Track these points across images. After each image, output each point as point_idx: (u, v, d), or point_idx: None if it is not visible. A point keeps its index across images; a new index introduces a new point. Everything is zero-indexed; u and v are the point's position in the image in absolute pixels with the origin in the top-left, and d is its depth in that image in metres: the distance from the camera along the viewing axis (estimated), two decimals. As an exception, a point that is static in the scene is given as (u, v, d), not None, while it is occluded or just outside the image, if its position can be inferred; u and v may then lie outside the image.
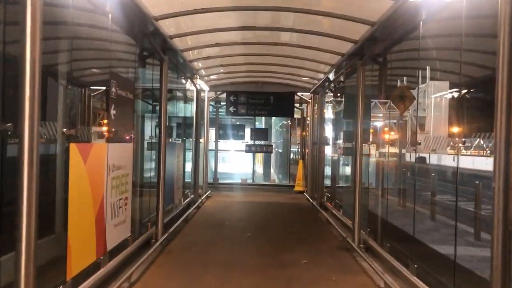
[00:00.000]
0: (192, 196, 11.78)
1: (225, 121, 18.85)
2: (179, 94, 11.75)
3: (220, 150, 19.33)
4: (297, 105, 15.24)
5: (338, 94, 11.52)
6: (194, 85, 11.66)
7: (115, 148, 5.74)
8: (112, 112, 5.47)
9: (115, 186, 5.67)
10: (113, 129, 5.63)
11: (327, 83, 11.27)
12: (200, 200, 12.03)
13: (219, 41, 8.43)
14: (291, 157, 18.77)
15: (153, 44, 6.98)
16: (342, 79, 10.01)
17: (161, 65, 7.47)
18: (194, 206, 11.20)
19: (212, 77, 12.19)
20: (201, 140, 13.77)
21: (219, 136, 16.54)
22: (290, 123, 18.13)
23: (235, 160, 25.06)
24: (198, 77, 11.34)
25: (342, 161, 12.87)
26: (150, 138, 9.21)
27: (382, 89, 7.34)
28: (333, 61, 9.18)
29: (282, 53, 9.56)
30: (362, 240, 7.32)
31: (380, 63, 7.57)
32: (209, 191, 13.97)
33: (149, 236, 7.33)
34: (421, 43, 6.00)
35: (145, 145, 9.13)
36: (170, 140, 10.83)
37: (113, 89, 5.47)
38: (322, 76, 11.00)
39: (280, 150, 19.95)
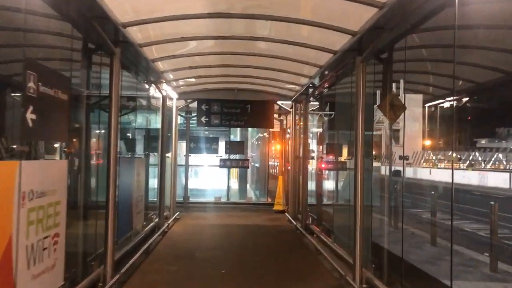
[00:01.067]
0: (157, 219, 10.11)
1: (197, 133, 17.27)
2: (142, 101, 10.14)
3: (192, 165, 17.73)
4: (276, 115, 13.90)
5: (326, 102, 10.17)
6: (160, 91, 10.09)
7: (36, 168, 4.13)
8: (30, 116, 3.87)
9: (36, 220, 4.04)
10: (32, 141, 4.02)
11: (311, 90, 9.92)
12: (166, 224, 10.37)
13: (188, 34, 6.95)
14: (269, 172, 17.30)
15: (99, 32, 5.41)
16: (331, 83, 8.69)
17: (111, 61, 5.90)
18: (159, 232, 9.55)
19: (180, 82, 10.65)
20: (169, 155, 12.15)
21: (190, 150, 14.94)
22: (268, 135, 16.69)
23: (208, 176, 23.42)
24: (164, 81, 9.79)
25: (329, 177, 11.50)
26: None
27: (387, 92, 6.03)
28: (321, 62, 7.83)
29: (261, 52, 8.18)
30: (365, 279, 5.87)
31: (384, 60, 6.23)
32: (178, 213, 12.30)
33: (94, 279, 5.66)
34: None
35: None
36: (130, 154, 9.20)
37: (32, 84, 3.88)
38: (305, 81, 9.63)
39: (257, 165, 18.48)
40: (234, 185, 20.20)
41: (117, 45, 5.92)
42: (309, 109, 11.14)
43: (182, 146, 15.14)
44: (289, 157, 12.84)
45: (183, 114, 15.25)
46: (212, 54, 8.30)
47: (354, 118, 6.10)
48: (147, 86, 9.64)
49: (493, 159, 37.14)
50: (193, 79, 10.49)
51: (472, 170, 34.02)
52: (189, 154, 15.14)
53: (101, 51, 6.01)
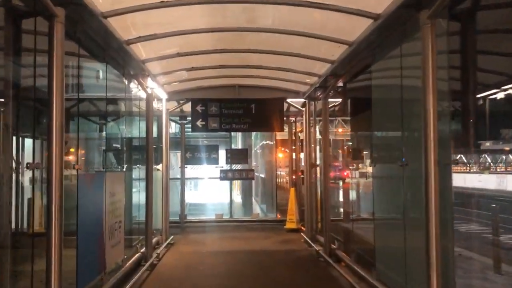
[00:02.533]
0: (143, 249, 8.04)
1: (194, 142, 15.23)
2: (120, 103, 8.09)
3: (189, 178, 15.70)
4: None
5: (353, 96, 8.15)
6: (143, 88, 8.08)
7: None
8: None
9: None
10: None
11: (332, 80, 7.90)
12: (155, 254, 8.30)
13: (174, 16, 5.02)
14: (277, 183, 15.21)
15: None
16: (362, 67, 6.68)
17: (51, 26, 3.89)
18: (146, 266, 7.49)
19: (170, 77, 8.64)
20: (159, 167, 10.12)
21: (186, 161, 12.89)
22: (274, 142, 14.65)
23: (208, 188, 21.33)
24: (147, 75, 7.79)
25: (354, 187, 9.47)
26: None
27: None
28: (351, 35, 5.87)
29: (266, 27, 6.22)
30: None
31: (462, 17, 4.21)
32: (172, 237, 10.22)
33: None
34: None
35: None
36: (107, 168, 7.15)
37: None
38: (324, 69, 7.66)
39: (263, 175, 16.42)
40: (237, 198, 18.14)
41: (60, 4, 3.91)
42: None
43: (178, 156, 13.12)
44: (305, 166, 10.77)
45: (177, 120, 13.25)
46: (204, 32, 6.30)
47: (422, 106, 4.07)
48: (125, 82, 7.63)
49: (502, 161, 35.29)
50: (184, 73, 8.48)
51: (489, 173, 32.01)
52: (185, 166, 13.11)
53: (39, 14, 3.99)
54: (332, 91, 8.42)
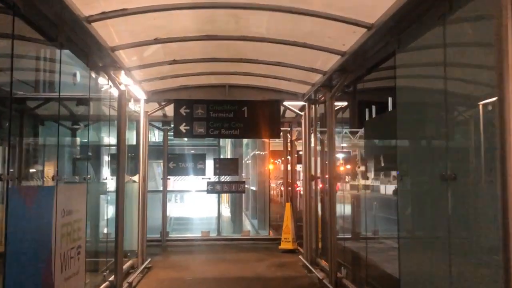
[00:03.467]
0: (112, 278, 6.64)
1: (179, 150, 13.90)
2: (85, 102, 6.72)
3: (171, 191, 14.37)
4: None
5: (366, 98, 6.93)
6: (115, 84, 6.75)
7: None
8: None
9: None
10: None
11: (342, 77, 6.68)
12: (127, 283, 6.91)
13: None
14: (270, 197, 13.89)
15: None
16: (382, 58, 5.46)
17: None
18: (113, 300, 6.11)
19: (148, 72, 7.32)
20: (135, 178, 8.76)
21: (169, 172, 11.54)
22: (266, 152, 13.35)
23: (194, 201, 19.92)
24: (120, 68, 6.48)
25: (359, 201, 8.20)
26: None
27: None
28: (371, 16, 4.67)
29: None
30: None
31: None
32: (149, 259, 8.82)
33: None
34: None
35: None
36: (59, 179, 5.78)
37: None
38: (331, 63, 6.45)
39: (254, 188, 15.10)
40: (226, 212, 16.78)
41: None
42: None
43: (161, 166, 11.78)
44: (304, 178, 9.50)
45: (160, 126, 11.94)
46: (188, 8, 5.03)
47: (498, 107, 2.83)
48: (92, 76, 6.30)
49: None
50: (166, 68, 7.19)
51: None
52: (168, 177, 11.75)
53: None
54: (338, 92, 7.19)
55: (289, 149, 12.04)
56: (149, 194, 12.92)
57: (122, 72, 6.75)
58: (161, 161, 11.53)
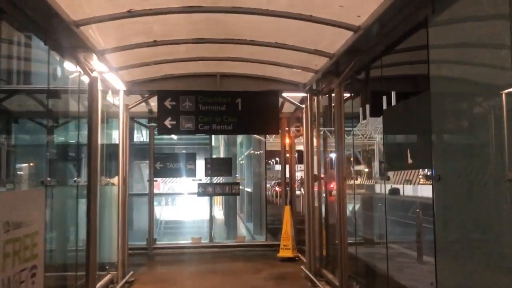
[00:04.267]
0: (82, 299, 5.59)
1: (166, 149, 12.83)
2: (46, 91, 5.65)
3: (159, 194, 13.34)
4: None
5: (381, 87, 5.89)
6: (84, 69, 5.69)
7: None
8: None
9: None
10: None
11: (353, 60, 5.67)
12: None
13: None
14: (267, 198, 12.85)
15: None
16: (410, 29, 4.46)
17: None
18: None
19: (125, 57, 6.26)
20: (113, 181, 7.71)
21: (155, 173, 10.48)
22: (264, 150, 12.32)
23: (186, 203, 18.82)
24: (92, 51, 5.44)
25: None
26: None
27: None
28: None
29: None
30: None
31: None
32: (131, 272, 7.76)
33: None
34: None
35: None
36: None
37: None
38: (342, 44, 5.45)
39: (249, 189, 14.07)
40: (219, 214, 15.71)
41: None
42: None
43: (142, 166, 10.73)
44: (305, 177, 8.50)
45: (145, 123, 10.89)
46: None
47: None
48: (57, 58, 5.25)
49: None
50: (146, 50, 6.13)
51: None
52: (154, 179, 10.70)
53: None
54: (347, 79, 6.17)
55: (287, 148, 11.01)
56: (137, 197, 12.01)
57: (94, 56, 5.72)
58: (145, 161, 10.47)
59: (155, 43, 5.81)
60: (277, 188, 28.45)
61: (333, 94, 6.84)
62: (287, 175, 10.94)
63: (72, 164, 6.65)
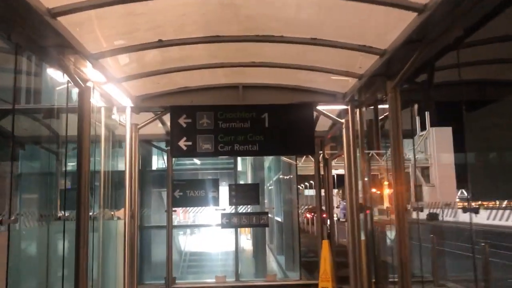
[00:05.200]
0: None
1: (187, 175, 11.64)
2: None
3: (178, 226, 12.13)
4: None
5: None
6: (71, 77, 4.58)
7: None
8: None
9: None
10: None
11: (416, 53, 4.35)
12: None
13: None
14: (298, 228, 11.40)
15: None
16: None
17: None
18: None
19: (124, 63, 5.15)
20: (118, 214, 6.52)
21: (174, 202, 9.27)
22: (295, 174, 10.95)
23: (211, 233, 17.50)
24: (80, 54, 4.34)
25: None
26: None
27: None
28: None
29: None
30: None
31: None
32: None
33: None
34: None
35: None
36: None
37: None
38: (396, 35, 4.18)
39: (279, 218, 12.66)
40: (247, 244, 14.28)
41: None
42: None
43: (159, 196, 9.56)
44: (348, 206, 7.10)
45: (163, 147, 9.78)
46: None
47: None
48: (29, 64, 4.17)
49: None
50: (151, 53, 5.00)
51: None
52: (173, 209, 9.48)
53: None
54: (403, 81, 4.83)
55: (321, 172, 9.58)
56: (157, 229, 10.84)
57: (88, 64, 4.63)
58: (163, 189, 9.31)
59: (160, 44, 4.67)
60: (307, 215, 26.83)
61: (379, 106, 5.52)
62: (323, 202, 9.52)
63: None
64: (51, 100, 5.27)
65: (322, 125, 8.26)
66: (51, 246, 5.30)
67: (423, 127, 49.74)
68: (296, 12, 4.18)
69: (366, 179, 6.99)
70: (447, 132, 49.42)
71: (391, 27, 4.16)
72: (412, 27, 3.89)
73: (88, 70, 4.75)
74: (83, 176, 4.54)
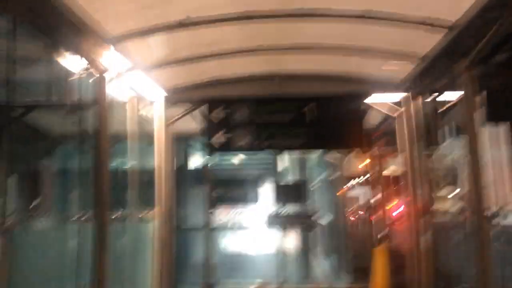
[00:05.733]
0: None
1: (221, 173, 11.01)
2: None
3: (217, 227, 11.56)
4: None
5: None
6: (89, 59, 4.08)
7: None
8: None
9: None
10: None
11: (502, 19, 3.48)
12: None
13: None
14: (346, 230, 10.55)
15: None
16: None
17: None
18: None
19: (147, 47, 4.58)
20: (151, 214, 5.99)
21: (215, 201, 8.74)
22: (342, 173, 10.11)
23: (253, 233, 16.88)
24: (97, 37, 3.83)
25: None
26: None
27: None
28: None
29: None
30: None
31: None
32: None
33: None
34: None
35: None
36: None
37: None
38: (468, 6, 3.33)
39: (323, 221, 11.82)
40: (291, 244, 13.52)
41: None
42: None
43: (195, 194, 9.03)
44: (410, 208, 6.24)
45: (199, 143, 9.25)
46: None
47: None
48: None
49: None
50: (177, 35, 4.42)
51: None
52: (212, 209, 8.94)
53: None
54: (482, 59, 3.95)
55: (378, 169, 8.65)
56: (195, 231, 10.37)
57: (109, 47, 4.11)
58: (199, 188, 8.80)
59: (188, 21, 4.05)
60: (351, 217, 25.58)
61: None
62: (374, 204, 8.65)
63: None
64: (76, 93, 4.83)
65: (372, 119, 7.41)
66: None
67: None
68: None
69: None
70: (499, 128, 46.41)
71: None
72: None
73: (109, 55, 4.22)
74: (101, 174, 4.03)
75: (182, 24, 4.09)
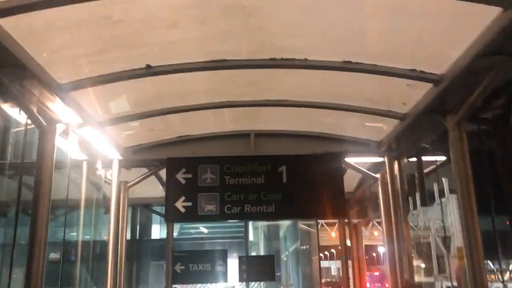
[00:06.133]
0: None
1: (191, 245, 10.17)
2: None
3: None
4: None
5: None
6: (31, 113, 3.50)
7: None
8: None
9: None
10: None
11: (491, 74, 3.21)
12: None
13: None
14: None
15: None
16: None
17: None
18: None
19: (103, 99, 4.07)
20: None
21: (174, 278, 7.80)
22: (317, 244, 9.46)
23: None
24: (42, 83, 3.30)
25: None
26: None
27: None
28: None
29: None
30: None
31: None
32: None
33: None
34: None
35: None
36: None
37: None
38: (459, 53, 3.07)
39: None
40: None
41: None
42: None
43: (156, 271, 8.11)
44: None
45: (166, 218, 8.48)
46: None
47: None
48: None
49: None
50: (144, 85, 3.94)
51: None
52: (173, 286, 7.97)
53: None
54: (467, 117, 3.64)
55: (347, 240, 8.09)
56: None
57: (57, 99, 3.57)
58: (158, 262, 7.90)
59: (148, 70, 3.60)
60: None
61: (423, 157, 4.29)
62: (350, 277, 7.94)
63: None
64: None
65: (348, 185, 6.99)
66: None
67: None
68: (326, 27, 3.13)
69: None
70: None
71: (454, 39, 3.07)
72: (487, 36, 2.78)
73: (55, 106, 3.67)
74: (36, 248, 3.29)
75: (141, 74, 3.63)
